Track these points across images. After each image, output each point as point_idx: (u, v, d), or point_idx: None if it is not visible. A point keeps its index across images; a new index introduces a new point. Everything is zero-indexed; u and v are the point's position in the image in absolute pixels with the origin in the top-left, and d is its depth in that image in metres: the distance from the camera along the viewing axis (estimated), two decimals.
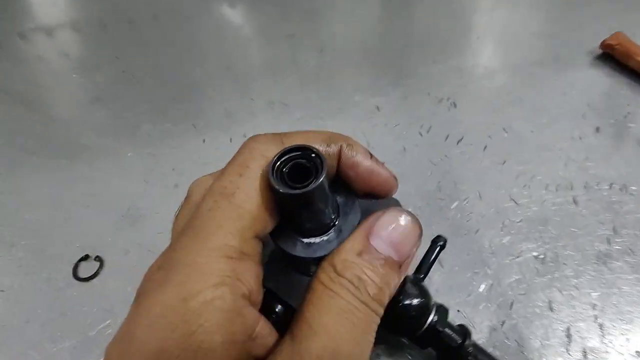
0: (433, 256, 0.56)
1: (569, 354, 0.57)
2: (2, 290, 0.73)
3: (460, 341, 0.50)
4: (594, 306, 0.61)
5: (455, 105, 0.92)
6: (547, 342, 0.58)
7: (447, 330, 0.50)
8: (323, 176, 0.34)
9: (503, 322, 0.60)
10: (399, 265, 0.35)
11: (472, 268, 0.66)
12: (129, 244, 0.77)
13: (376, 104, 0.95)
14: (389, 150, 0.85)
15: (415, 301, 0.48)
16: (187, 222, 0.35)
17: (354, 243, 0.35)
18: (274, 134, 0.38)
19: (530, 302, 0.62)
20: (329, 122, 0.93)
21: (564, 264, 0.66)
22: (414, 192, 0.77)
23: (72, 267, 0.74)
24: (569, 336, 0.59)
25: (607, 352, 0.57)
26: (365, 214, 0.40)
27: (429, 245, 0.57)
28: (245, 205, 0.34)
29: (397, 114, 0.92)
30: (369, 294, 0.32)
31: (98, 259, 0.75)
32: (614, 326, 0.59)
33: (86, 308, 0.69)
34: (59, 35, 1.34)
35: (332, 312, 0.31)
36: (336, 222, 0.40)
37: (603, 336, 0.58)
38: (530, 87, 0.95)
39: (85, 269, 0.74)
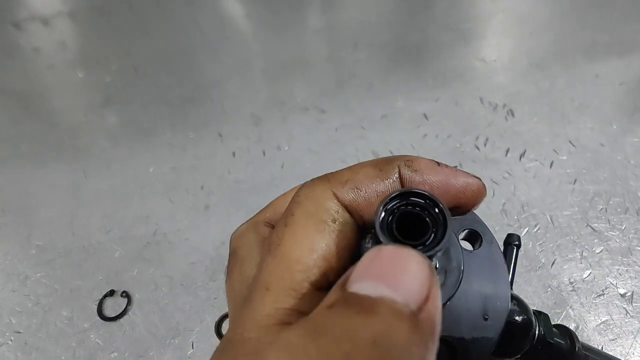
0: (513, 259, 0.49)
1: None
2: (18, 332, 0.64)
3: (570, 347, 0.45)
4: None
5: (512, 114, 0.83)
6: None
7: (556, 339, 0.45)
8: (447, 232, 0.26)
9: None
10: (413, 314, 0.20)
11: (552, 308, 0.59)
12: (158, 277, 0.68)
13: (423, 111, 0.86)
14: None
15: (517, 318, 0.43)
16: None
17: (328, 296, 0.24)
18: (319, 178, 0.31)
19: (622, 348, 0.55)
20: (372, 132, 0.83)
21: None
22: (478, 216, 0.69)
23: (97, 304, 0.66)
24: None
25: None
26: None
27: (502, 248, 0.49)
28: (294, 255, 0.26)
29: (448, 123, 0.83)
30: None
31: (125, 294, 0.67)
32: None
33: (116, 354, 0.61)
34: (56, 24, 1.21)
35: None
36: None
37: None
38: (593, 90, 0.86)
39: (112, 307, 0.66)
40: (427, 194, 0.28)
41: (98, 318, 0.65)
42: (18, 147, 0.91)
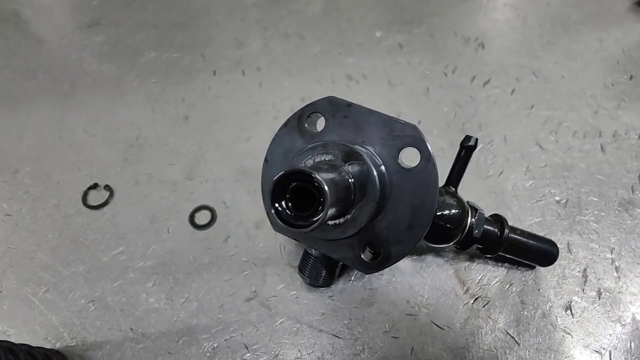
0: (461, 161, 0.55)
1: (584, 292, 0.58)
2: (9, 215, 0.70)
3: (498, 233, 0.54)
4: (612, 250, 0.61)
5: (483, 47, 0.87)
6: (563, 281, 0.59)
7: (486, 226, 0.54)
8: (326, 206, 0.35)
9: (519, 262, 0.61)
10: None
11: (494, 209, 0.65)
12: (139, 174, 0.74)
13: (399, 42, 0.89)
14: (412, 90, 0.81)
15: (452, 211, 0.50)
16: None
17: None
18: None
19: None
20: (348, 58, 0.87)
21: (586, 209, 0.65)
22: (437, 133, 0.74)
23: (81, 195, 0.72)
24: (585, 276, 0.59)
25: (620, 292, 0.58)
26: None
27: (457, 150, 0.54)
28: None
29: (421, 52, 0.87)
30: None
31: (108, 188, 0.72)
32: (630, 269, 0.60)
33: (98, 235, 0.67)
34: None
35: None
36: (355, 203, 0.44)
37: (619, 278, 0.59)
38: (564, 31, 0.89)
39: (95, 198, 0.72)
40: (307, 171, 0.35)
41: (82, 206, 0.71)
42: (10, 60, 0.94)
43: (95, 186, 0.73)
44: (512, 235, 0.56)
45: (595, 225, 0.64)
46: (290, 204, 0.36)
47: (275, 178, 0.34)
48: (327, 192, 0.33)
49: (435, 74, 0.83)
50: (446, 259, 0.61)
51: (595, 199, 0.66)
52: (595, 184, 0.68)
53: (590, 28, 0.89)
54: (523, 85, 0.80)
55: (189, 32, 0.96)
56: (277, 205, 0.35)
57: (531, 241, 0.56)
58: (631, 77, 0.81)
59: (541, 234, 0.63)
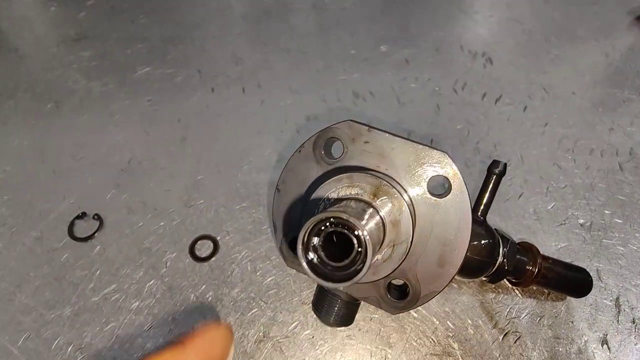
0: (490, 188, 0.51)
1: (618, 323, 0.55)
2: None
3: (531, 263, 0.51)
4: None
5: (491, 62, 0.85)
6: (597, 312, 0.55)
7: (519, 256, 0.50)
8: (368, 258, 0.30)
9: (549, 292, 0.57)
10: None
11: (517, 234, 0.62)
12: (132, 202, 0.67)
13: (405, 57, 0.86)
14: (422, 107, 0.77)
15: (483, 242, 0.46)
16: None
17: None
18: None
19: None
20: (354, 74, 0.84)
21: (611, 232, 0.62)
22: (451, 153, 0.70)
23: (67, 225, 0.65)
24: (618, 306, 0.56)
25: None
26: None
27: (485, 176, 0.51)
28: None
29: (429, 67, 0.84)
30: None
31: (97, 217, 0.65)
32: None
33: (86, 271, 0.60)
34: None
35: None
36: None
37: None
38: (570, 46, 0.88)
39: (83, 229, 0.65)
40: (345, 218, 0.30)
41: (68, 238, 0.64)
42: None
43: (82, 215, 0.66)
44: (546, 265, 0.52)
45: (622, 249, 0.61)
46: (322, 253, 0.31)
47: (309, 222, 0.29)
48: (369, 243, 0.28)
49: (444, 90, 0.80)
50: (471, 290, 0.57)
51: (620, 221, 0.63)
52: (618, 205, 0.65)
53: (595, 43, 0.88)
54: (535, 102, 0.78)
55: (183, 47, 0.91)
56: (309, 255, 0.30)
57: (565, 271, 0.53)
58: None
59: (568, 260, 0.60)
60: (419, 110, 0.77)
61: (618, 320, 0.55)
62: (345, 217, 0.29)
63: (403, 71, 0.84)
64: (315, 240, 0.30)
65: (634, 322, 0.55)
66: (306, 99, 0.81)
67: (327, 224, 0.31)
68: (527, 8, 0.97)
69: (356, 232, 0.30)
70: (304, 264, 0.30)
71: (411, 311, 0.56)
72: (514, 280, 0.54)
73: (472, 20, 0.92)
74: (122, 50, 0.91)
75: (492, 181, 0.50)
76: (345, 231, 0.30)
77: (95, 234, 0.64)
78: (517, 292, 0.57)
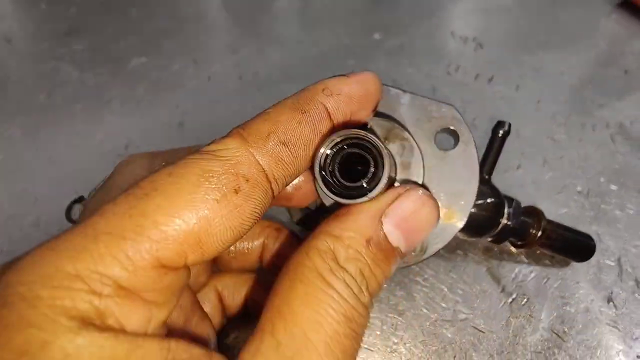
0: (495, 148, 0.52)
1: (621, 282, 0.55)
2: None
3: (535, 224, 0.51)
4: None
5: (481, 46, 0.87)
6: (600, 273, 0.56)
7: (523, 218, 0.50)
8: (385, 168, 0.29)
9: (553, 255, 0.58)
10: (403, 257, 0.29)
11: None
12: None
13: (399, 43, 0.88)
14: (419, 89, 0.78)
15: (488, 200, 0.47)
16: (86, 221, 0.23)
17: (363, 224, 0.28)
18: (231, 133, 0.29)
19: None
20: (350, 60, 0.85)
21: (608, 197, 0.64)
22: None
23: (65, 209, 0.63)
24: (619, 265, 0.57)
25: None
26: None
27: (490, 136, 0.51)
28: (152, 216, 0.23)
29: (423, 53, 0.86)
30: (369, 294, 0.26)
31: None
32: None
33: None
34: None
35: (330, 318, 0.24)
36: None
37: None
38: (558, 31, 0.91)
39: (81, 212, 0.63)
40: (363, 135, 0.30)
41: (67, 222, 0.62)
42: None
43: (80, 199, 0.64)
44: (550, 227, 0.53)
45: (619, 212, 0.62)
46: (337, 173, 0.31)
47: (327, 140, 0.30)
48: (384, 150, 0.29)
49: (439, 73, 0.82)
50: (477, 258, 0.58)
51: (615, 187, 0.65)
52: (612, 173, 0.67)
53: (580, 27, 0.92)
54: (526, 81, 0.81)
55: (177, 38, 0.92)
56: (324, 173, 0.30)
57: (568, 233, 0.54)
58: (626, 72, 0.83)
59: (571, 224, 0.61)
60: (417, 92, 0.78)
61: (621, 279, 0.56)
62: (362, 134, 0.30)
63: (397, 57, 0.86)
64: (329, 152, 0.30)
65: (636, 281, 0.56)
66: (304, 85, 0.81)
67: (344, 145, 0.31)
68: None
69: (368, 143, 0.30)
70: (320, 180, 0.30)
71: (419, 279, 0.56)
72: (518, 243, 0.55)
73: (462, 8, 0.95)
74: (115, 43, 0.91)
75: (497, 141, 0.51)
76: (359, 150, 0.31)
77: None
78: (522, 256, 0.58)
